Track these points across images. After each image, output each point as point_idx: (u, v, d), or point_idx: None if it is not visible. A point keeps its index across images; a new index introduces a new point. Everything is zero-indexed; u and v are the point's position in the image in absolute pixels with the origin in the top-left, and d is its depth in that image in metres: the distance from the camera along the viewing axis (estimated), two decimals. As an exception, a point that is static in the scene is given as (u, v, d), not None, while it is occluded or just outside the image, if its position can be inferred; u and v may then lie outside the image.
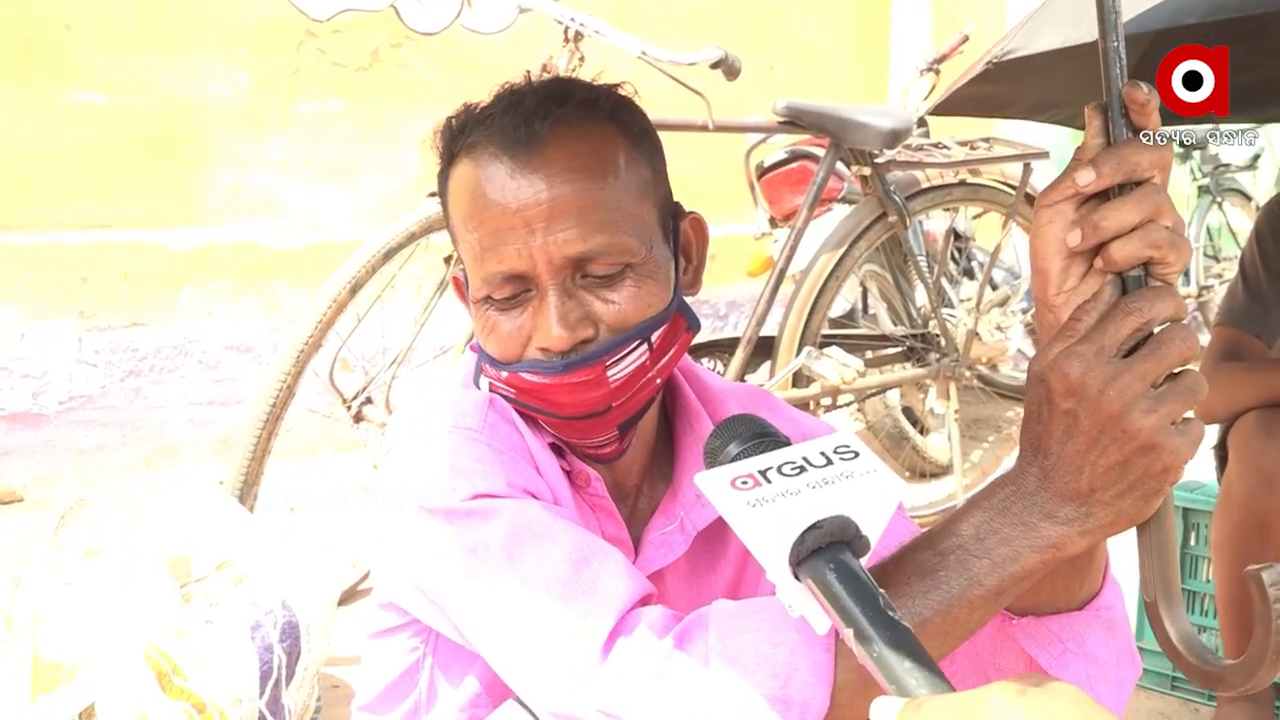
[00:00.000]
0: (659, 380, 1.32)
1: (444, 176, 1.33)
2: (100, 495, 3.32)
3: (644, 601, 1.13)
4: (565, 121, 1.26)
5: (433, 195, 3.05)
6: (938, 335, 4.02)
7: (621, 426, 1.31)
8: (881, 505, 0.95)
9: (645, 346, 1.27)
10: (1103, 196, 0.99)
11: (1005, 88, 2.42)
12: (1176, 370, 0.97)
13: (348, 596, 3.15)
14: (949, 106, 2.55)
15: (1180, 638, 1.06)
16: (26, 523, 3.73)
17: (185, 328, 4.48)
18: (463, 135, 1.30)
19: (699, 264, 1.39)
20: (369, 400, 3.08)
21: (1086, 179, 0.98)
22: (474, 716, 1.34)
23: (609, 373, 1.26)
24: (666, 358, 1.31)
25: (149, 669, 1.98)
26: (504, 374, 1.28)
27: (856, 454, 0.98)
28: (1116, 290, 0.99)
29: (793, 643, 1.03)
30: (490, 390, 1.32)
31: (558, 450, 1.35)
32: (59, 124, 4.18)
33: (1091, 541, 1.00)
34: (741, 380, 3.55)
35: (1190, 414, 0.98)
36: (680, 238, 1.35)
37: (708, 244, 1.40)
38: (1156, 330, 0.97)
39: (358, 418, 3.09)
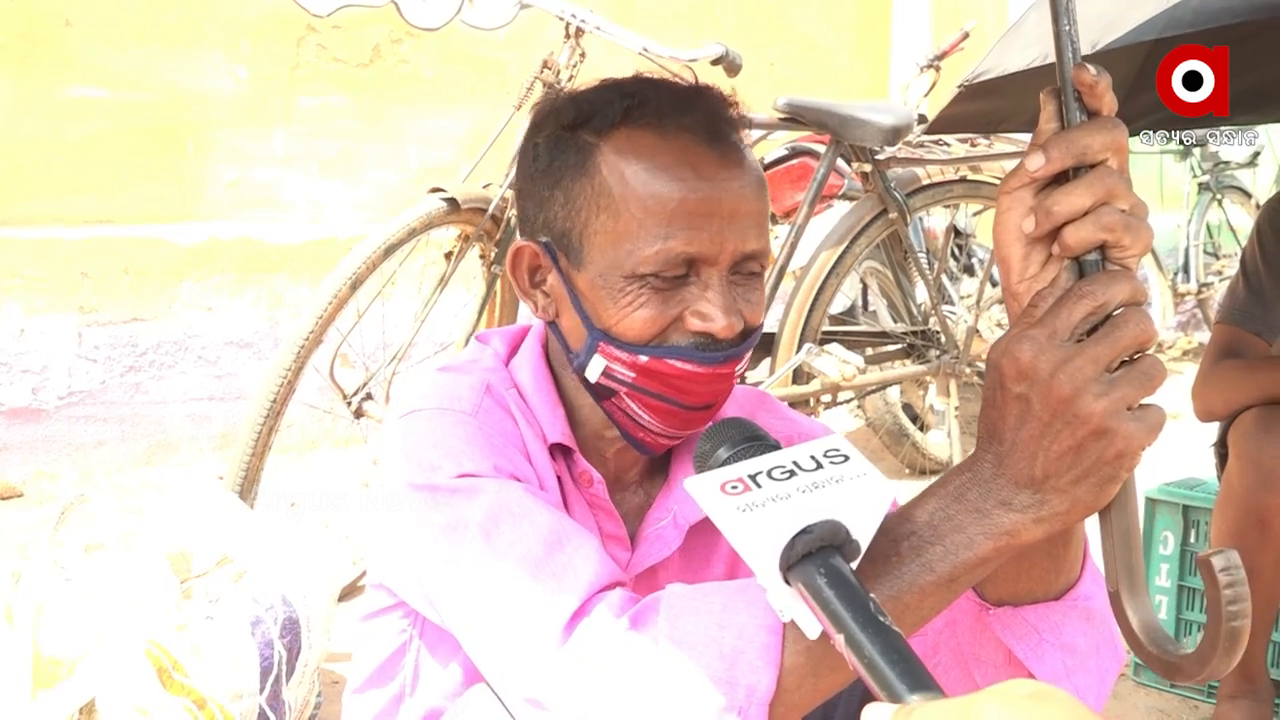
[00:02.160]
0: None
1: (587, 145, 1.31)
2: (100, 491, 3.32)
3: (612, 586, 1.13)
4: (731, 124, 1.34)
5: (434, 191, 3.05)
6: (938, 332, 4.02)
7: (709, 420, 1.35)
8: (872, 509, 0.95)
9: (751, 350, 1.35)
10: (1060, 182, 0.98)
11: (1004, 102, 2.42)
12: (1135, 355, 0.96)
13: (348, 592, 3.14)
14: (945, 125, 2.55)
15: (1142, 627, 1.04)
16: (26, 518, 3.74)
17: (185, 323, 4.47)
18: (641, 109, 1.30)
19: None
20: (369, 396, 3.08)
21: (1036, 164, 0.97)
22: None
23: (737, 368, 1.33)
24: None
25: (149, 664, 1.98)
26: (642, 357, 1.28)
27: (847, 457, 0.97)
28: (1074, 276, 0.98)
29: (740, 625, 1.03)
30: (604, 373, 1.31)
31: (565, 451, 1.36)
32: (59, 119, 4.18)
33: (1048, 529, 0.99)
34: (741, 377, 3.54)
35: (1149, 400, 0.96)
36: None
37: None
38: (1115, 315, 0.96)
39: (358, 413, 3.09)
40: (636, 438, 1.35)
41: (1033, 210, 0.98)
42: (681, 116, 1.29)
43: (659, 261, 1.25)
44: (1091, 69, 0.97)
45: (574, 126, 1.32)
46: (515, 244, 1.37)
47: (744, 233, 1.28)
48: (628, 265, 1.26)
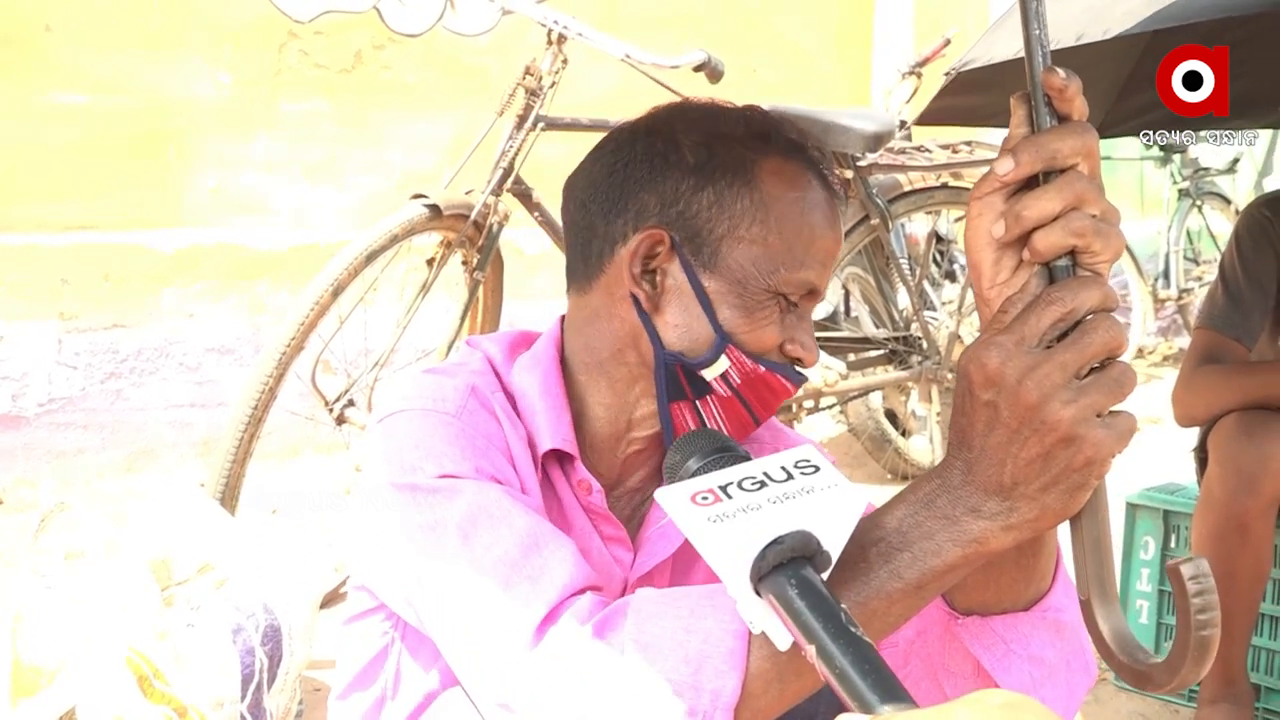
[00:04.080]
0: None
1: (744, 158, 1.35)
2: (81, 498, 3.31)
3: (584, 590, 1.13)
4: None
5: (416, 197, 3.05)
6: (920, 338, 4.03)
7: None
8: (843, 519, 0.94)
9: None
10: (1030, 187, 0.97)
11: (995, 97, 2.42)
12: (1105, 362, 0.95)
13: (330, 599, 3.13)
14: (936, 116, 2.56)
15: (1112, 635, 1.04)
16: (6, 525, 3.72)
17: (166, 329, 4.46)
18: (789, 140, 1.38)
19: None
20: (351, 403, 3.07)
21: (1006, 168, 0.96)
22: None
23: None
24: None
25: (130, 672, 1.97)
26: (761, 368, 1.34)
27: (817, 468, 0.96)
28: (1044, 282, 0.97)
29: (707, 630, 1.02)
30: (724, 373, 1.34)
31: (564, 457, 1.37)
32: (40, 124, 4.16)
33: (1017, 537, 0.98)
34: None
35: (1119, 406, 0.95)
36: None
37: None
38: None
39: (340, 420, 3.08)
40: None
41: (1003, 215, 0.97)
42: (820, 164, 1.39)
43: (797, 285, 1.33)
44: (1061, 73, 0.96)
45: (733, 138, 1.36)
46: (643, 230, 1.35)
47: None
48: (771, 281, 1.32)
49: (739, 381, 1.33)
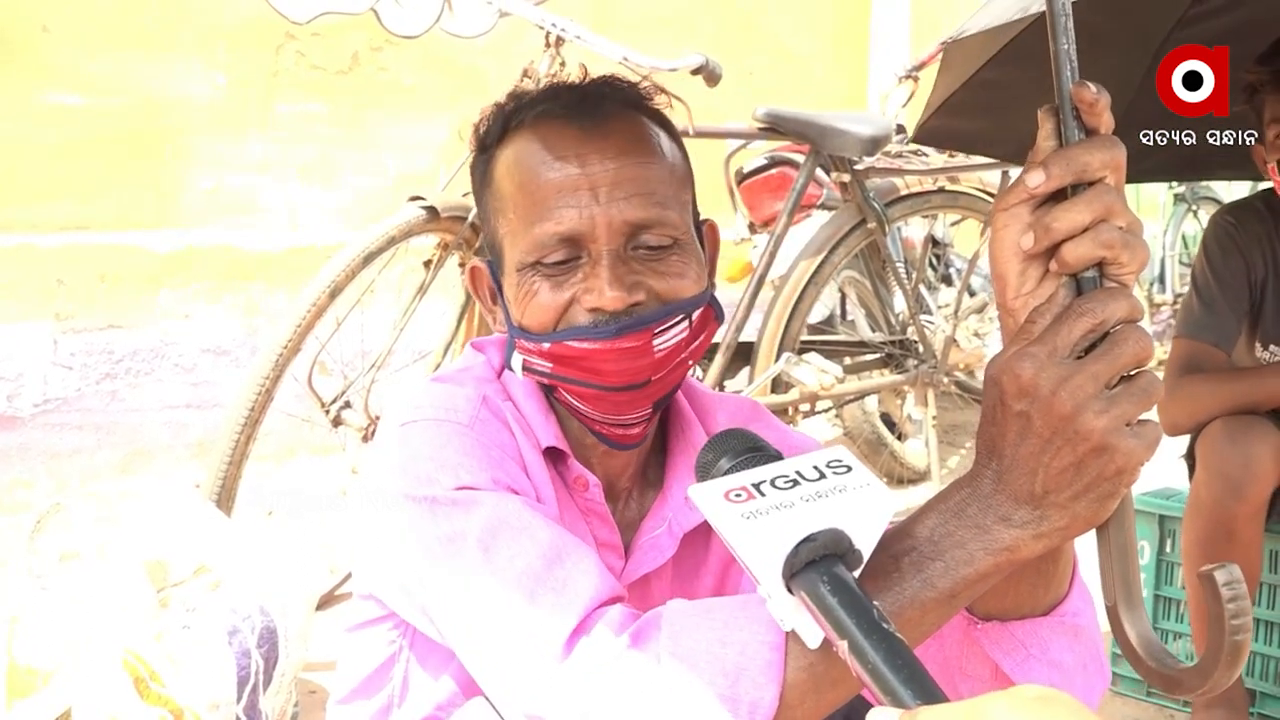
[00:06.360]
0: (691, 362, 1.36)
1: (489, 157, 1.37)
2: (76, 499, 3.31)
3: (612, 601, 1.13)
4: (625, 103, 1.35)
5: (414, 199, 3.05)
6: (916, 342, 4.04)
7: (656, 404, 1.34)
8: (874, 519, 0.95)
9: (687, 323, 1.31)
10: (1057, 199, 0.98)
11: (988, 122, 2.42)
12: (1132, 371, 0.96)
13: (325, 601, 3.13)
14: (926, 136, 2.55)
15: (1140, 641, 1.05)
16: (1, 526, 3.71)
17: (162, 330, 4.45)
18: (521, 111, 1.34)
19: (711, 267, 1.41)
20: (347, 404, 3.07)
21: (1036, 181, 0.98)
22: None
23: (655, 342, 1.29)
24: (700, 339, 1.34)
25: (126, 674, 1.97)
26: (545, 344, 1.29)
27: (849, 468, 0.98)
28: (1072, 293, 0.99)
29: (743, 642, 1.03)
30: (524, 369, 1.33)
31: (558, 455, 1.36)
32: (36, 125, 4.16)
33: (1047, 545, 0.99)
34: (720, 385, 3.56)
35: (1147, 415, 0.97)
36: (701, 237, 1.40)
37: (718, 249, 1.45)
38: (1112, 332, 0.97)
39: (336, 422, 3.08)
40: (596, 430, 1.36)
41: (1030, 227, 0.99)
42: (549, 106, 1.33)
43: (536, 247, 1.28)
44: (1091, 87, 0.98)
45: (482, 149, 1.38)
46: (470, 263, 1.41)
47: (620, 204, 1.27)
48: (519, 257, 1.30)
49: (549, 366, 1.31)
